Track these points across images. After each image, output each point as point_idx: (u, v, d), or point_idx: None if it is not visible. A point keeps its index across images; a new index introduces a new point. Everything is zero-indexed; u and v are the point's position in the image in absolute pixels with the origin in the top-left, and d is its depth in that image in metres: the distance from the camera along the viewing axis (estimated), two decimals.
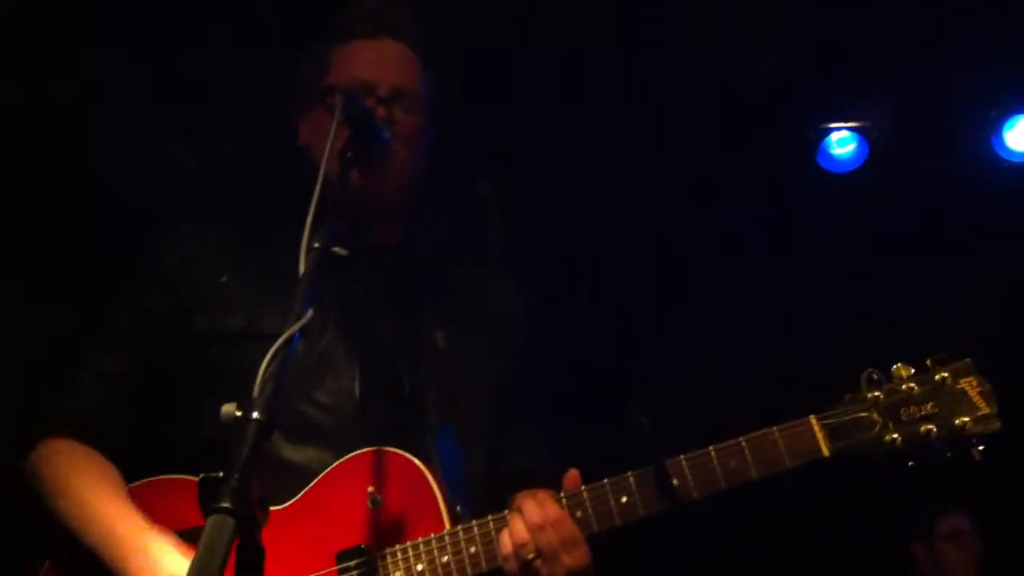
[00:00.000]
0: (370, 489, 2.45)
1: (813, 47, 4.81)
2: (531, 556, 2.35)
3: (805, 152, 5.25)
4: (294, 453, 2.53)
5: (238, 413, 1.69)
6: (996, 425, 2.35)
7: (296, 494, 2.50)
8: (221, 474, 1.62)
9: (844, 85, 5.10)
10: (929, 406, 2.39)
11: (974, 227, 5.19)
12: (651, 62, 4.79)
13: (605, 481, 2.45)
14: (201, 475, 1.63)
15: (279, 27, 4.03)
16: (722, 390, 5.14)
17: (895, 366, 2.44)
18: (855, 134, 5.22)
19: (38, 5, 3.88)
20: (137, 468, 2.60)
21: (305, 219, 2.10)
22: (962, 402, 2.38)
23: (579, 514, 2.42)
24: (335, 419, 2.58)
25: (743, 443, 2.42)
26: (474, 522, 2.44)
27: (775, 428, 2.43)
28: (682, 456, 2.44)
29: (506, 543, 2.38)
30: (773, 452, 2.40)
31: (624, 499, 2.41)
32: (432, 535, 2.43)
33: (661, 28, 4.69)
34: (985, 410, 2.36)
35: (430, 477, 2.48)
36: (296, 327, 1.83)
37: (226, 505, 1.58)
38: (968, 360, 2.42)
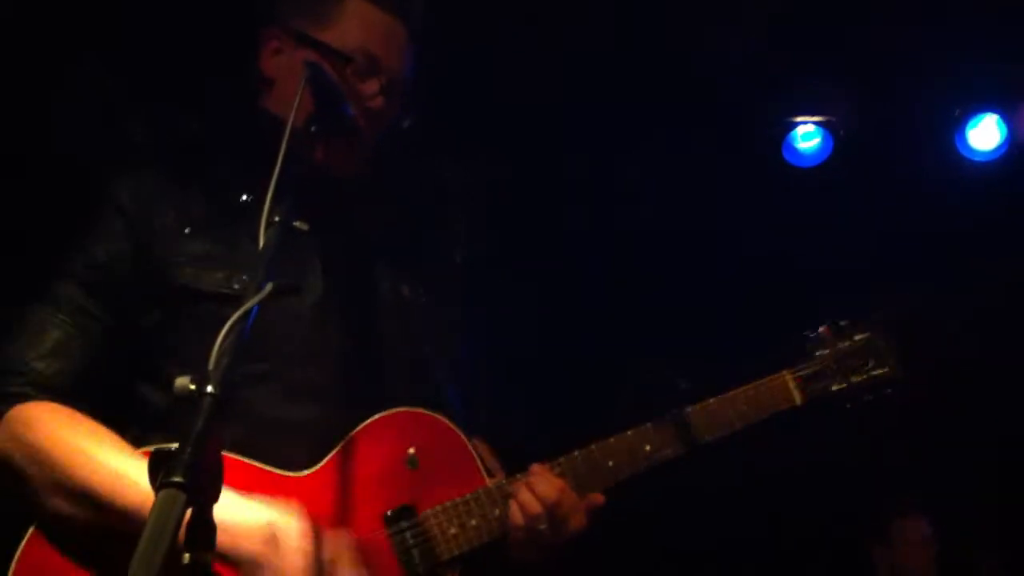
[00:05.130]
0: (411, 451, 2.46)
1: (780, 42, 4.83)
2: (542, 526, 2.47)
3: (770, 145, 5.27)
4: (297, 413, 2.44)
5: (192, 387, 1.66)
6: (901, 373, 2.93)
7: (308, 456, 2.42)
8: (174, 447, 1.59)
9: (810, 80, 5.13)
10: (855, 360, 2.93)
11: (936, 223, 5.23)
12: (617, 56, 4.79)
13: (628, 432, 2.68)
14: (153, 448, 1.60)
15: None
16: (688, 377, 5.17)
17: (828, 326, 2.98)
18: (820, 128, 5.25)
19: None
20: (118, 431, 2.39)
21: (265, 182, 2.06)
22: (877, 355, 2.94)
23: (611, 463, 2.62)
24: (339, 378, 2.51)
25: (736, 392, 2.82)
26: (518, 476, 2.53)
27: (758, 381, 2.85)
28: (688, 407, 2.76)
29: (517, 515, 2.47)
30: (759, 399, 2.83)
31: (647, 447, 2.68)
32: (479, 489, 2.50)
33: (627, 23, 4.69)
34: (892, 361, 2.93)
35: (462, 435, 2.53)
36: (254, 300, 1.80)
37: (177, 479, 1.54)
38: (881, 322, 2.97)
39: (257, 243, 2.12)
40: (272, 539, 2.19)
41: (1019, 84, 5.09)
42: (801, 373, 2.89)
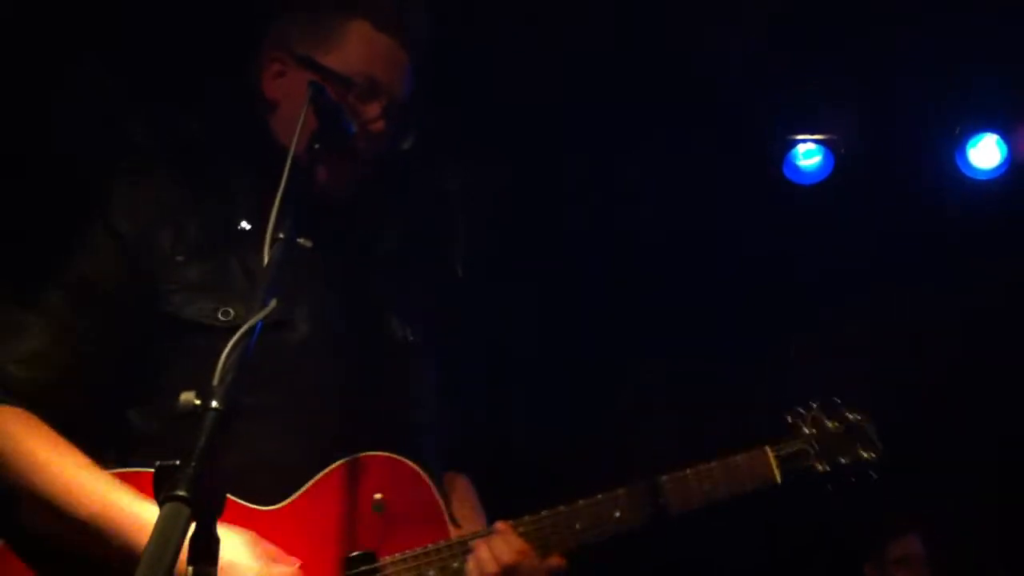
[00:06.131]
0: (377, 496, 2.45)
1: (780, 51, 4.84)
2: None
3: (771, 162, 5.28)
4: (276, 449, 2.44)
5: (196, 402, 1.66)
6: (885, 457, 2.90)
7: (280, 491, 2.43)
8: (177, 463, 1.60)
9: (811, 98, 5.13)
10: (844, 441, 2.88)
11: (935, 242, 5.25)
12: (617, 56, 4.80)
13: (599, 496, 2.62)
14: (157, 463, 1.60)
15: None
16: (680, 399, 5.19)
17: (816, 404, 2.93)
18: (821, 146, 5.25)
19: None
20: (98, 456, 2.42)
21: (266, 203, 2.07)
22: (865, 439, 2.90)
23: (578, 526, 2.57)
24: (316, 415, 2.51)
25: (713, 466, 2.74)
26: (481, 532, 2.53)
27: (738, 456, 2.78)
28: (664, 476, 2.69)
29: (473, 572, 2.45)
30: (737, 476, 2.75)
31: (617, 513, 2.61)
32: (442, 541, 2.47)
33: (627, 23, 4.70)
34: (878, 445, 2.90)
35: (431, 484, 2.51)
36: (259, 316, 1.81)
37: (181, 493, 1.55)
38: (867, 404, 2.95)
39: (249, 274, 2.17)
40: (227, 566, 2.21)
41: (1020, 104, 5.09)
42: (784, 451, 2.82)
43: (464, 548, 2.48)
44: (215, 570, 1.62)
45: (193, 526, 1.60)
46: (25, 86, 4.06)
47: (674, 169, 5.14)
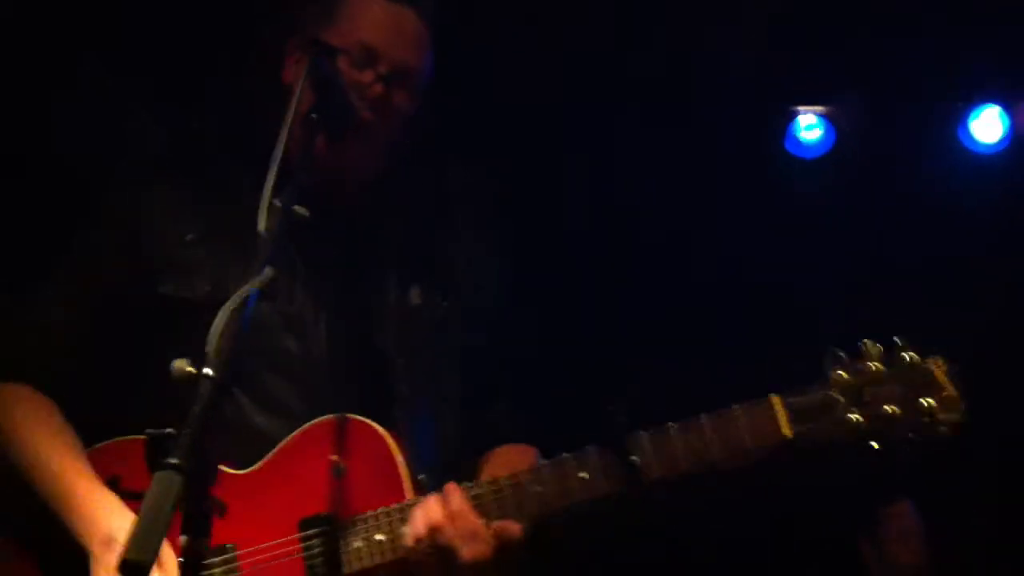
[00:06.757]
0: (333, 458, 2.41)
1: (781, 31, 4.84)
2: (430, 551, 2.33)
3: (772, 137, 5.27)
4: (260, 419, 2.49)
5: (190, 369, 1.67)
6: (962, 405, 2.24)
7: (254, 456, 2.46)
8: (170, 431, 1.60)
9: (812, 71, 5.13)
10: (894, 386, 2.26)
11: (937, 215, 5.23)
12: (616, 69, 4.81)
13: (564, 456, 2.38)
14: (147, 431, 1.60)
15: None
16: (691, 375, 5.16)
17: (863, 343, 2.31)
18: (822, 119, 5.24)
19: None
20: (96, 431, 2.53)
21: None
22: (928, 382, 2.26)
23: (539, 489, 2.36)
24: (302, 386, 2.53)
25: (703, 419, 2.32)
26: (435, 494, 2.41)
27: (736, 406, 2.33)
28: (642, 432, 2.35)
29: (408, 535, 2.36)
30: (734, 430, 2.30)
31: (583, 474, 2.33)
32: (394, 505, 2.40)
33: (627, 23, 4.71)
34: (951, 391, 2.24)
35: (392, 445, 2.45)
36: (253, 285, 1.81)
37: (174, 461, 1.55)
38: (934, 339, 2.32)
39: (248, 269, 2.18)
40: (109, 542, 2.28)
41: (1022, 76, 5.09)
42: (797, 399, 2.30)
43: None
44: (208, 540, 1.62)
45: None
46: (25, 86, 4.07)
47: (674, 156, 5.13)
